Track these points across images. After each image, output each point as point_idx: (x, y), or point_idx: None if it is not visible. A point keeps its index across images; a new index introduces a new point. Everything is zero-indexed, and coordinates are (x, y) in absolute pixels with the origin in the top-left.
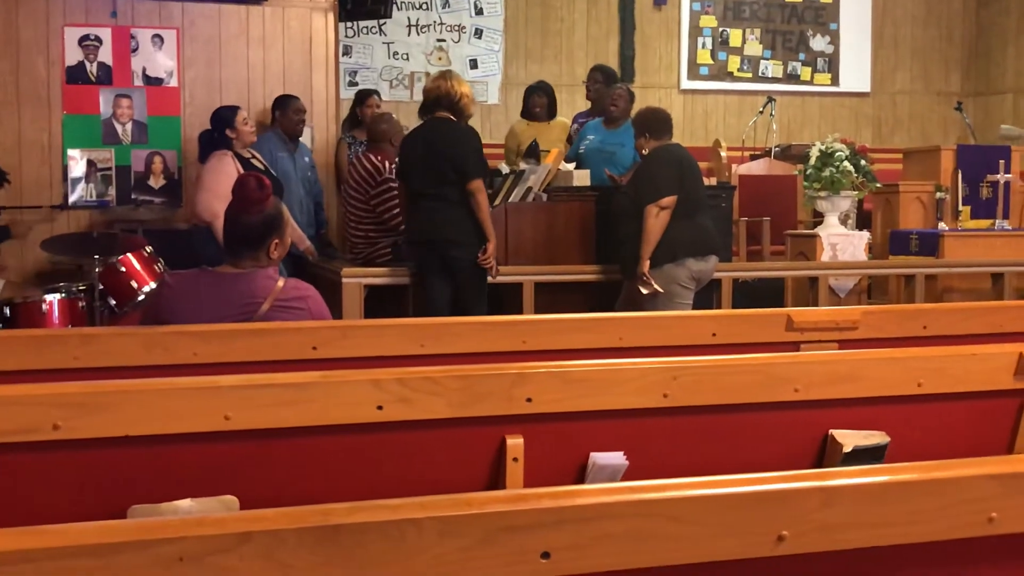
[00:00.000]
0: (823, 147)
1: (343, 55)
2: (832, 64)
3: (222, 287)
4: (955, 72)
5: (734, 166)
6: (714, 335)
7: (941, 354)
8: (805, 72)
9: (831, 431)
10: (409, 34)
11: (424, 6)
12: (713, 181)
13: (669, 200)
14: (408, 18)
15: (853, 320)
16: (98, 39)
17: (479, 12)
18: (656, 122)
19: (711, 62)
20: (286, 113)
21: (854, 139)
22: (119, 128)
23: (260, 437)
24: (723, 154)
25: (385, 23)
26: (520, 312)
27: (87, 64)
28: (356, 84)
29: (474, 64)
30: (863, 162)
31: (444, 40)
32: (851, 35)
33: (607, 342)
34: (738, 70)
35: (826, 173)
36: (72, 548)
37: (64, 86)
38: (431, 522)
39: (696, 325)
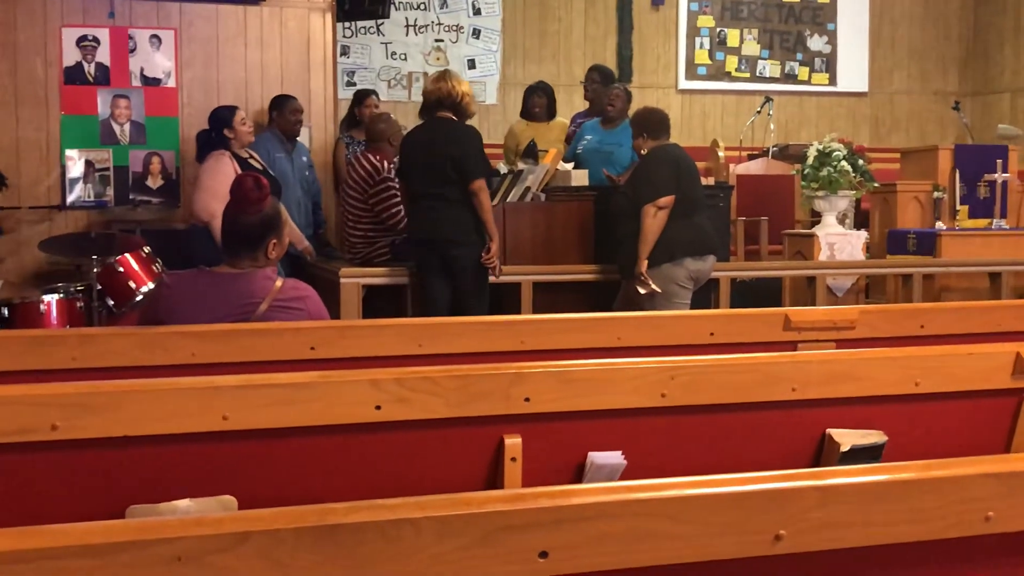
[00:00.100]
0: (821, 147)
1: (341, 55)
2: (830, 64)
3: (220, 287)
4: (952, 72)
5: (732, 166)
6: (712, 335)
7: (938, 353)
8: (803, 72)
9: (828, 430)
10: (407, 34)
11: (422, 6)
12: (711, 181)
13: (667, 200)
14: (406, 18)
15: (851, 319)
16: (96, 40)
17: (477, 12)
18: (654, 122)
19: (709, 62)
20: (283, 113)
21: (852, 139)
22: (117, 128)
23: (258, 437)
24: (721, 154)
25: (383, 23)
26: (518, 312)
27: (85, 65)
28: (354, 84)
29: (472, 64)
30: (861, 162)
31: (442, 40)
32: (849, 35)
33: (605, 342)
34: (736, 70)
35: (824, 173)
36: (71, 548)
37: (62, 86)
38: (429, 522)
39: (694, 325)
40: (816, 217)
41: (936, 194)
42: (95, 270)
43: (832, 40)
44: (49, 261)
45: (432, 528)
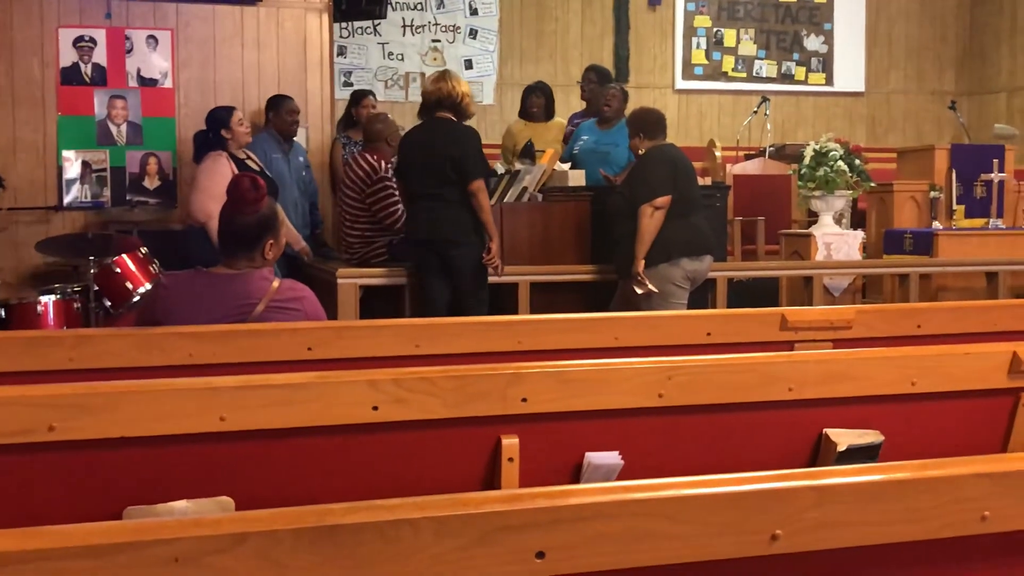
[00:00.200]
0: (817, 147)
1: (338, 56)
2: (826, 64)
3: (217, 288)
4: (949, 71)
5: (728, 166)
6: (709, 335)
7: (935, 353)
8: (799, 72)
9: (825, 430)
10: (404, 34)
11: (419, 6)
12: (708, 181)
13: (664, 200)
14: (403, 19)
15: (847, 319)
16: (92, 40)
17: (474, 12)
18: (650, 122)
19: (705, 62)
20: (279, 114)
21: (848, 139)
22: (114, 129)
23: (256, 438)
24: (717, 154)
25: (380, 24)
26: (516, 312)
27: (81, 65)
28: (351, 85)
29: (469, 64)
30: (857, 161)
31: (439, 40)
32: (845, 35)
33: (602, 342)
34: (732, 70)
35: (820, 173)
36: (68, 549)
37: (59, 87)
38: (427, 522)
39: (691, 325)
40: (813, 217)
41: (933, 194)
42: (92, 271)
43: (828, 40)
44: (46, 262)
45: (430, 528)
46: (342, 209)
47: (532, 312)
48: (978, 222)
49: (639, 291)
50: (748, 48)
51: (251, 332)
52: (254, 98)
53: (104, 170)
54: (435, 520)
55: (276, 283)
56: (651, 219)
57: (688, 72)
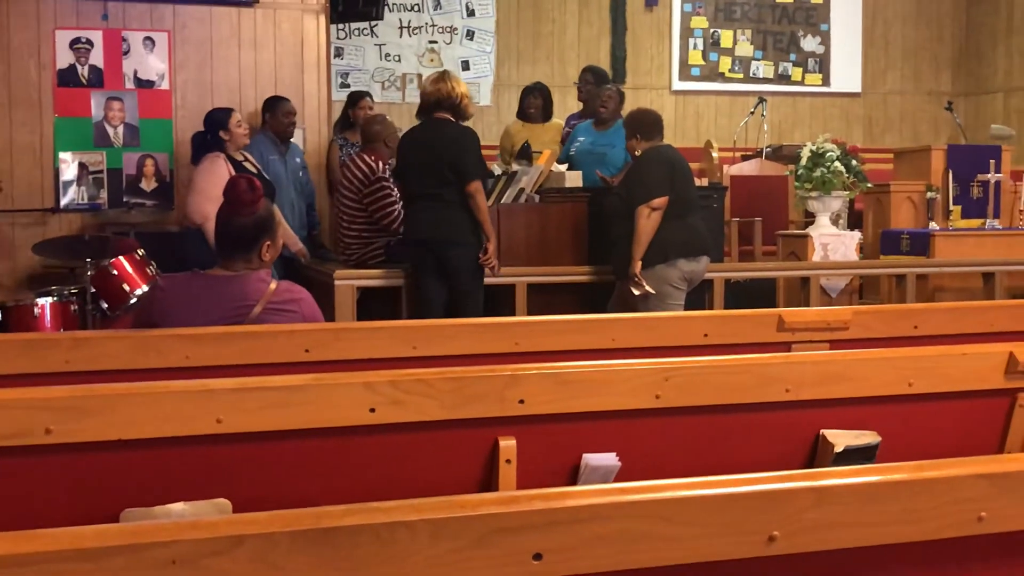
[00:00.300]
0: (814, 147)
1: (335, 57)
2: (823, 64)
3: (214, 290)
4: (945, 72)
5: (725, 167)
6: (706, 336)
7: (932, 354)
8: (796, 73)
9: (822, 431)
10: (401, 36)
11: (416, 8)
12: (704, 182)
13: (660, 201)
14: (400, 20)
15: (844, 320)
16: (89, 42)
17: (471, 14)
18: (647, 123)
19: (702, 63)
20: (276, 115)
21: (845, 139)
22: (111, 131)
23: (253, 440)
24: (714, 155)
25: (377, 25)
26: (513, 313)
27: (78, 67)
28: (348, 86)
29: (466, 65)
30: (854, 162)
31: (436, 42)
32: (842, 35)
33: (599, 343)
34: (729, 71)
35: (817, 173)
36: (65, 552)
37: (55, 89)
38: (424, 524)
39: (688, 326)
40: (810, 218)
41: (929, 194)
42: (89, 273)
43: (825, 41)
44: (43, 264)
45: (427, 531)
46: (339, 210)
47: (529, 313)
48: (975, 222)
49: (636, 292)
50: (745, 49)
51: (248, 334)
52: (251, 99)
53: (101, 172)
54: (432, 522)
55: (273, 285)
56: (648, 220)
57: (685, 73)
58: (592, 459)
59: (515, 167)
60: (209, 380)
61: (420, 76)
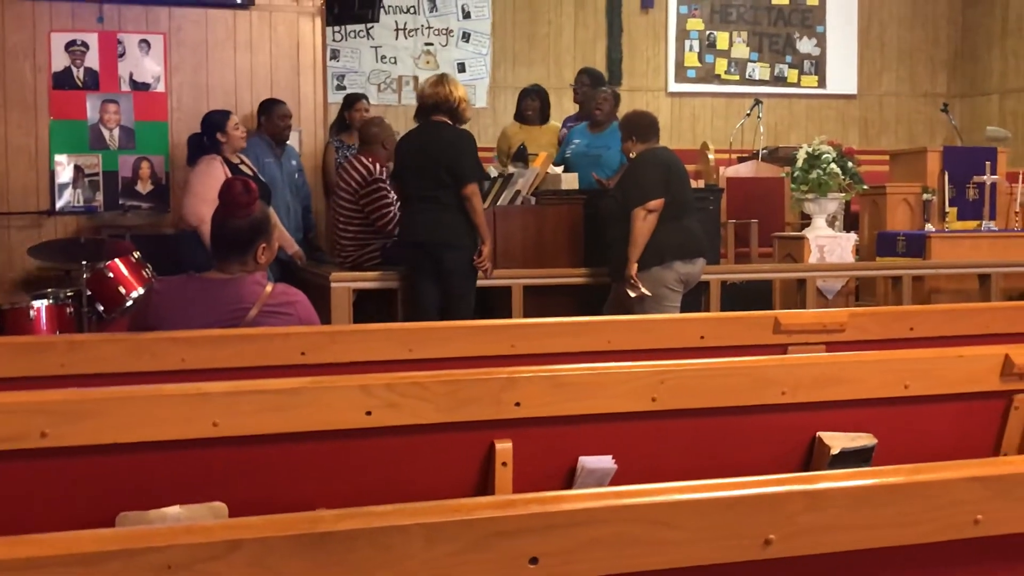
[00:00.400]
0: (810, 149)
1: (331, 59)
2: (819, 66)
3: (210, 292)
4: (941, 74)
5: (721, 168)
6: (702, 338)
7: (928, 356)
8: (792, 74)
9: (819, 433)
10: (397, 38)
11: (412, 10)
12: (701, 184)
13: (656, 203)
14: (396, 22)
15: (840, 322)
16: (85, 44)
17: (467, 16)
18: (643, 125)
19: (698, 65)
20: (271, 118)
21: (841, 141)
22: (106, 133)
23: (248, 443)
24: (710, 157)
25: (372, 27)
26: (509, 316)
27: (74, 69)
28: (344, 88)
29: (462, 68)
30: (850, 164)
31: (432, 44)
32: (837, 37)
33: (595, 345)
34: (725, 73)
35: (813, 175)
36: (60, 557)
37: (51, 91)
38: (419, 528)
39: (684, 328)
40: (806, 219)
41: (925, 196)
42: (85, 276)
43: (821, 42)
44: (38, 267)
45: (422, 535)
46: (335, 212)
47: (525, 315)
48: (971, 224)
49: (632, 294)
50: (741, 51)
51: (244, 337)
52: (247, 102)
53: (96, 174)
54: (427, 526)
55: (269, 287)
56: (644, 222)
57: (681, 75)
58: (588, 462)
59: (511, 169)
60: (205, 383)
61: (416, 78)
